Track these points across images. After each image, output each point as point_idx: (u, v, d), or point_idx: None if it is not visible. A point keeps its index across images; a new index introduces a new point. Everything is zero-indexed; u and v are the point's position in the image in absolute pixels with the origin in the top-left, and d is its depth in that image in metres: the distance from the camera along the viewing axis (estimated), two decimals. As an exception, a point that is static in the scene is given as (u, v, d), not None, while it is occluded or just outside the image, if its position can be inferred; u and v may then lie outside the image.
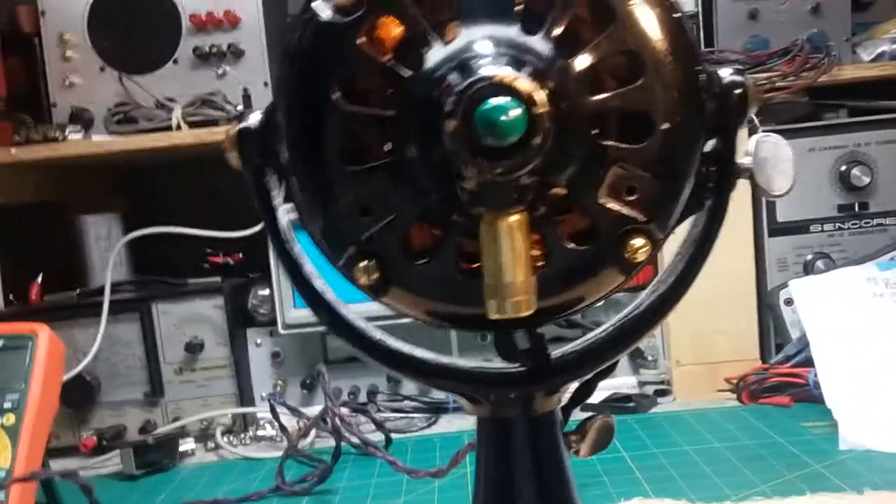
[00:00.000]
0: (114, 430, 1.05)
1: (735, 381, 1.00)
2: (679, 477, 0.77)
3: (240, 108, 1.14)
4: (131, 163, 1.25)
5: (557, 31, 0.34)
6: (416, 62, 0.34)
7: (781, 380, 0.96)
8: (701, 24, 1.06)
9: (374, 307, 0.39)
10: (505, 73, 0.31)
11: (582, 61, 0.34)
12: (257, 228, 1.09)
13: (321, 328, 1.05)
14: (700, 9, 1.08)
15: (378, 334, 0.43)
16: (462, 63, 0.33)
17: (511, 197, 0.33)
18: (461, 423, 1.01)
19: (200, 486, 0.89)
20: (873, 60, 1.07)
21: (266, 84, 1.17)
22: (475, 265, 0.37)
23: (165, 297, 1.07)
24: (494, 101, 0.30)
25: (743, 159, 0.40)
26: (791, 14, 1.06)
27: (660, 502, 0.71)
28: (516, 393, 0.41)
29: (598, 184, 0.35)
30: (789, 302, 0.97)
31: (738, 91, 0.38)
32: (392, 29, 0.35)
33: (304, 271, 0.42)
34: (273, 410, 0.99)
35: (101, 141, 1.07)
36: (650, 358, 1.05)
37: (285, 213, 0.43)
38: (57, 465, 0.99)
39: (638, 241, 0.36)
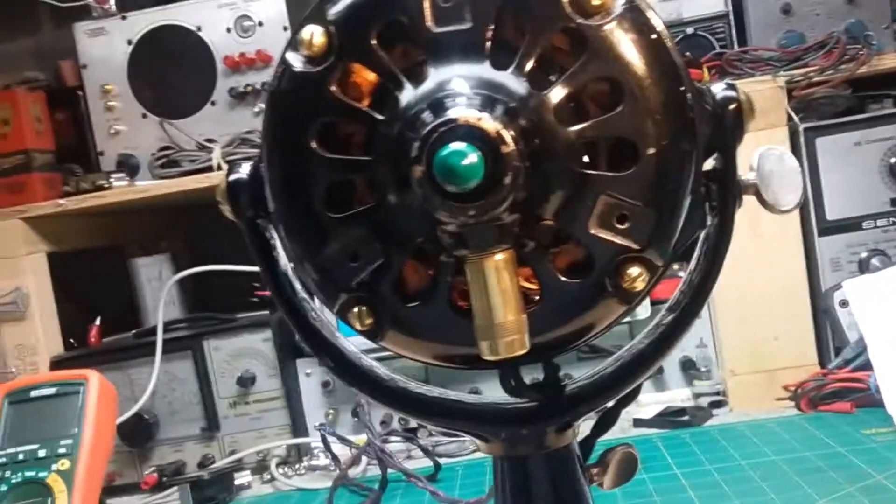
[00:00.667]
0: (174, 467, 1.07)
1: (793, 389, 0.96)
2: (733, 494, 0.75)
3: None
4: (177, 204, 1.28)
5: (529, 64, 0.33)
6: (391, 106, 0.34)
7: (841, 385, 0.92)
8: (732, 23, 1.04)
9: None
10: (468, 114, 0.31)
11: (557, 94, 0.33)
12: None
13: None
14: (730, 8, 1.05)
15: (386, 375, 0.42)
16: (434, 104, 0.33)
17: (493, 236, 0.33)
18: (512, 445, 1.00)
19: (255, 521, 0.90)
20: (917, 46, 1.03)
21: (302, 116, 1.18)
22: (460, 307, 0.37)
23: (216, 333, 1.09)
24: (452, 147, 0.29)
25: (747, 175, 0.39)
26: (826, 6, 1.02)
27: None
28: (528, 430, 0.40)
29: (588, 214, 0.34)
30: (844, 303, 0.94)
31: (732, 106, 0.37)
32: (365, 74, 0.35)
33: (306, 319, 0.42)
34: (324, 440, 0.99)
35: (145, 185, 1.10)
36: (703, 369, 1.02)
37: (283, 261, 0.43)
38: (118, 503, 1.02)
39: (635, 270, 0.35)
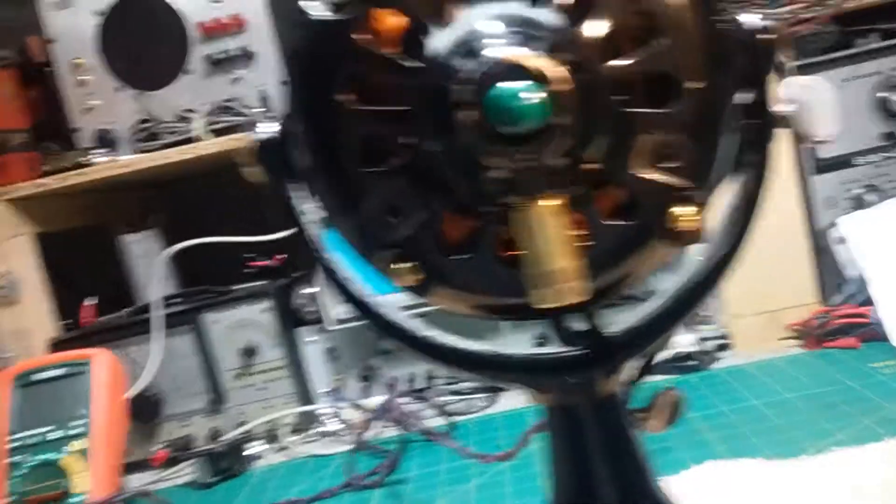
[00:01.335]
0: (183, 441, 1.06)
1: (797, 328, 0.97)
2: (751, 434, 0.75)
3: (258, 110, 1.14)
4: (161, 178, 1.26)
5: (566, -1, 0.32)
6: (420, 52, 0.33)
7: (845, 321, 0.93)
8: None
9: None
10: (515, 52, 0.30)
11: (596, 28, 0.32)
12: (290, 231, 1.09)
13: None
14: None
15: (426, 331, 0.42)
16: (470, 47, 0.32)
17: (543, 181, 0.32)
18: (522, 400, 1.00)
19: (273, 489, 0.90)
20: (904, -23, 1.02)
21: (284, 83, 1.16)
22: (517, 252, 0.36)
23: (214, 306, 1.08)
24: (505, 86, 0.28)
25: (779, 107, 0.38)
26: (810, -61, 1.01)
27: (736, 464, 0.69)
28: (577, 378, 0.40)
29: (632, 154, 0.34)
30: (842, 240, 0.94)
31: (764, 37, 0.36)
32: (390, 20, 0.33)
33: (341, 277, 0.42)
34: (335, 406, 0.99)
35: (128, 160, 1.08)
36: (707, 313, 1.02)
37: (316, 219, 0.42)
38: (131, 480, 1.01)
39: (680, 210, 0.35)
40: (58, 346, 1.07)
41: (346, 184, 0.36)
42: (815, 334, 0.94)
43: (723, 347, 1.01)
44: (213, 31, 1.14)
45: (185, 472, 1.01)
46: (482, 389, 1.05)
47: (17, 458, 0.76)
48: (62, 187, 1.06)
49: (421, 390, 1.03)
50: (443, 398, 1.03)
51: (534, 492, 0.73)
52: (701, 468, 0.69)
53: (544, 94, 0.28)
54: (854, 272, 0.94)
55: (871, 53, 0.99)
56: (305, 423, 1.07)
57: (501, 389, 1.04)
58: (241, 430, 1.05)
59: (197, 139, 1.10)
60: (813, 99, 0.38)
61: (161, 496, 0.72)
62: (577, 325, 0.39)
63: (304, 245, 0.41)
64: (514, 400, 1.01)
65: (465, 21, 0.33)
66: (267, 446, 1.04)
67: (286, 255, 1.18)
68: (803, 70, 0.99)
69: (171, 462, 1.04)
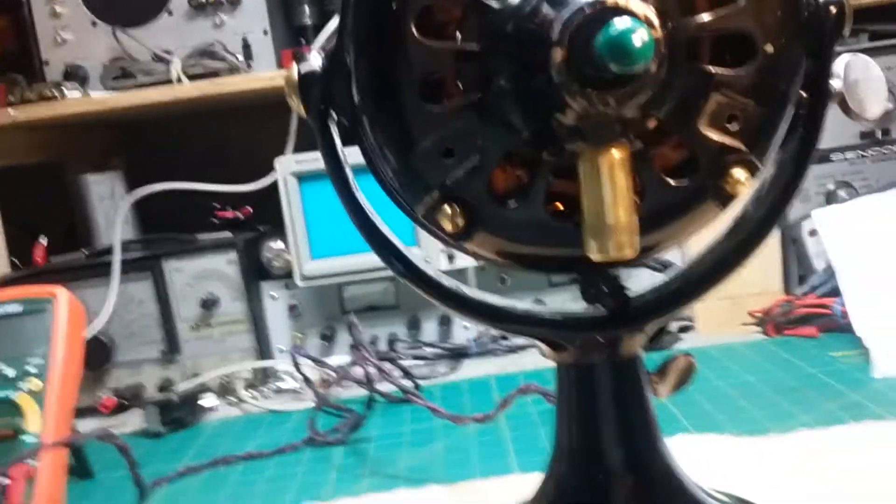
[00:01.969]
0: (132, 390, 1.03)
1: (759, 315, 0.99)
2: (716, 412, 0.77)
3: (240, 58, 1.11)
4: (128, 119, 1.21)
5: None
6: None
7: (807, 311, 0.95)
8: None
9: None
10: (615, -6, 0.29)
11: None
12: (268, 181, 1.06)
13: (339, 279, 1.04)
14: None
15: (452, 283, 0.41)
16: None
17: (615, 130, 0.31)
18: (485, 368, 1.01)
19: (229, 441, 0.88)
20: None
21: (266, 32, 1.13)
22: (562, 206, 0.36)
23: (177, 254, 1.04)
24: (620, 25, 0.28)
25: (834, 82, 0.38)
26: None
27: (703, 438, 0.70)
28: (605, 336, 0.39)
29: (700, 113, 0.34)
30: (813, 233, 0.97)
31: (834, 7, 0.36)
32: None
33: (373, 221, 0.41)
34: (296, 363, 0.98)
35: (102, 97, 1.03)
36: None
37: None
38: (78, 425, 0.98)
39: (739, 173, 0.35)
40: (7, 284, 1.03)
41: (402, 121, 0.34)
42: (777, 321, 0.96)
43: (685, 329, 1.03)
44: (199, -29, 1.10)
45: (133, 421, 0.98)
46: (445, 356, 1.05)
47: (-30, 394, 0.72)
48: (30, 120, 1.01)
49: (383, 353, 1.03)
50: (405, 363, 1.02)
51: (500, 456, 0.73)
52: (671, 440, 0.70)
53: (652, 37, 0.28)
54: (821, 264, 0.97)
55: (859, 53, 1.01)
56: (261, 379, 1.05)
57: (464, 356, 1.04)
58: (195, 381, 1.03)
59: (173, 81, 1.06)
60: (866, 77, 0.38)
61: (122, 439, 0.69)
62: (619, 283, 0.39)
63: (336, 184, 0.40)
64: (477, 368, 1.01)
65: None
66: (219, 400, 1.02)
67: (252, 209, 1.15)
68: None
69: (119, 409, 1.01)
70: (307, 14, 1.19)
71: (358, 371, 0.94)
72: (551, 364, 1.01)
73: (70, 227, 1.20)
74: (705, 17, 0.32)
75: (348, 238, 1.02)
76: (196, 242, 1.06)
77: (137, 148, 1.30)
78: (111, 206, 1.13)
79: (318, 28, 1.18)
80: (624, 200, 0.32)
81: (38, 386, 0.74)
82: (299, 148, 1.07)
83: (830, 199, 1.01)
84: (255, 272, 1.07)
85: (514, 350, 1.05)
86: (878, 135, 1.01)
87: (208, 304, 1.04)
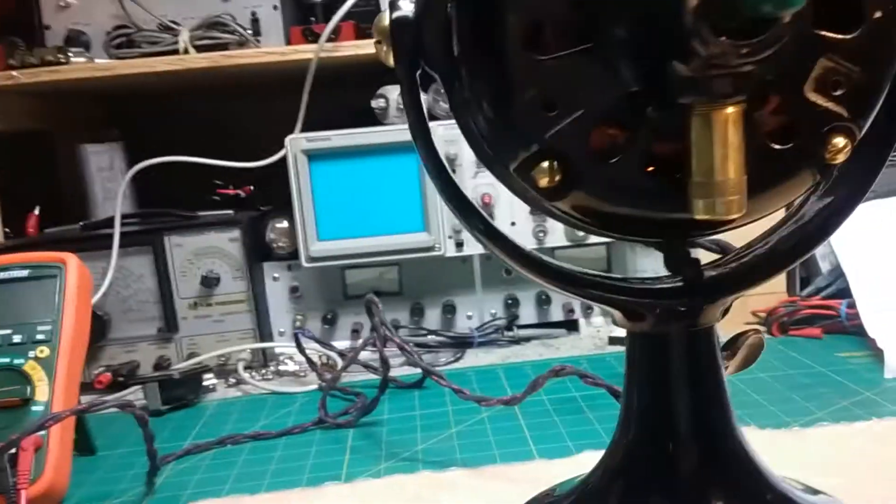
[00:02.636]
0: (128, 367, 1.01)
1: (763, 314, 1.00)
2: (735, 406, 0.76)
3: (249, 32, 1.09)
4: (129, 89, 1.18)
5: None
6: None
7: (812, 312, 0.96)
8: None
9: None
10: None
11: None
12: (274, 158, 1.05)
13: (345, 261, 1.02)
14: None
15: (532, 251, 0.40)
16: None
17: (733, 85, 0.31)
18: (490, 358, 1.00)
19: (233, 421, 0.86)
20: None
21: (276, 7, 1.11)
22: (655, 167, 0.35)
23: (179, 229, 1.02)
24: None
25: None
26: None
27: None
28: (686, 305, 0.39)
29: (806, 77, 0.33)
30: (822, 234, 0.97)
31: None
32: None
33: (454, 180, 0.40)
34: (299, 345, 0.96)
35: (109, 64, 1.01)
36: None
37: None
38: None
39: (840, 141, 0.34)
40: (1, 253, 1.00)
41: (504, 72, 0.33)
42: (781, 322, 0.97)
43: (689, 326, 1.03)
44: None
45: (129, 399, 0.95)
46: (448, 344, 1.04)
47: (-23, 359, 0.70)
48: (33, 83, 0.98)
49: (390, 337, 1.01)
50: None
51: (520, 442, 0.72)
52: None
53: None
54: (826, 266, 0.98)
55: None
56: (261, 360, 1.03)
57: (468, 345, 1.03)
58: (194, 361, 1.00)
59: (179, 52, 1.04)
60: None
61: (142, 410, 0.67)
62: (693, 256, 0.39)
63: (418, 138, 0.39)
64: (481, 357, 1.00)
65: None
66: (217, 380, 0.99)
67: (253, 188, 1.14)
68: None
69: (114, 387, 0.99)
70: (317, -9, 1.18)
71: (364, 355, 0.92)
72: (557, 354, 1.00)
73: (65, 198, 1.17)
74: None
75: (356, 220, 1.02)
76: (199, 218, 1.04)
77: (134, 121, 1.27)
78: (110, 178, 1.10)
79: (328, 6, 1.17)
80: (736, 158, 0.32)
81: (46, 353, 0.72)
82: (305, 128, 1.06)
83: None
84: (258, 252, 1.06)
85: (517, 341, 1.04)
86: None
87: (209, 282, 1.02)
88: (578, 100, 0.33)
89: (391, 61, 0.37)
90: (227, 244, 1.03)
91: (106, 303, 1.02)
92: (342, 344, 1.04)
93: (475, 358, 1.01)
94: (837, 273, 0.96)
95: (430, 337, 1.05)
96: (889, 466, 0.60)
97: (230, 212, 1.06)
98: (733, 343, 0.43)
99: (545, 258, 0.40)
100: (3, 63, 1.03)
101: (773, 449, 0.64)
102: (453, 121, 0.43)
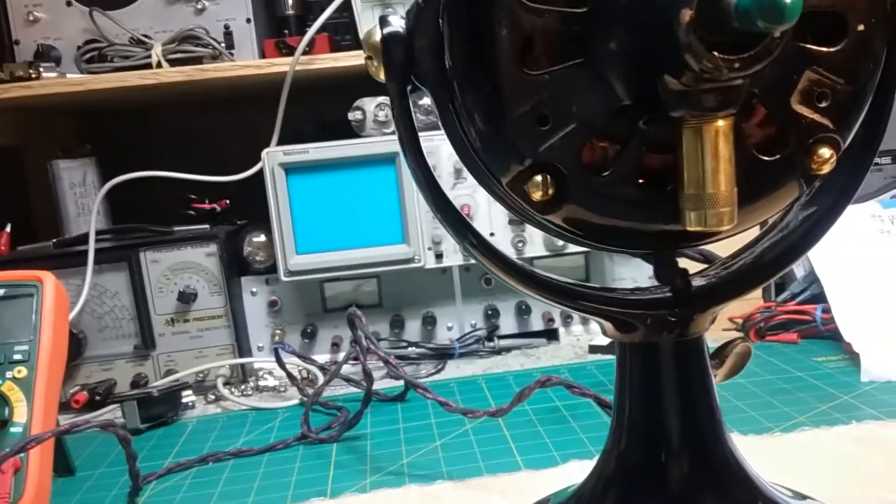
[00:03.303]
0: (104, 386, 0.99)
1: (740, 320, 1.01)
2: (714, 411, 0.77)
3: (222, 45, 1.08)
4: (101, 105, 1.17)
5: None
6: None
7: (788, 317, 0.97)
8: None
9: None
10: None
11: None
12: (251, 172, 1.04)
13: (324, 275, 1.02)
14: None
15: (524, 264, 0.41)
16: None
17: (722, 99, 0.31)
18: (471, 369, 1.00)
19: (214, 438, 0.85)
20: None
21: (248, 20, 1.11)
22: (645, 180, 0.35)
23: (155, 244, 1.01)
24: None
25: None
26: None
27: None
28: (676, 315, 0.39)
29: (792, 89, 0.34)
30: (796, 240, 0.99)
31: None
32: None
33: (444, 193, 0.40)
34: (279, 359, 0.95)
35: (81, 79, 0.99)
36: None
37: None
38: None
39: (826, 151, 0.35)
40: (-27, 271, 0.98)
41: (497, 87, 0.34)
42: (758, 327, 0.98)
43: (668, 334, 1.03)
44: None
45: (106, 418, 0.94)
46: (429, 356, 1.04)
47: (-48, 381, 0.68)
48: (2, 99, 0.96)
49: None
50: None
51: (505, 453, 0.72)
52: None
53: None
54: (800, 272, 0.99)
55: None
56: (240, 376, 1.03)
57: (449, 356, 1.03)
58: (172, 377, 0.99)
59: (152, 66, 1.03)
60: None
61: (123, 429, 0.66)
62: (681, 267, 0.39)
63: (409, 154, 0.39)
64: (462, 368, 1.00)
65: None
66: (196, 397, 0.98)
67: (229, 201, 1.13)
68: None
69: (91, 405, 0.97)
70: (290, 4, 1.18)
71: (345, 368, 0.92)
72: (538, 364, 1.00)
73: (35, 215, 1.16)
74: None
75: (335, 233, 1.02)
76: (174, 233, 1.03)
77: (107, 136, 1.26)
78: (83, 194, 1.09)
79: (301, 19, 1.17)
80: (727, 170, 0.32)
81: (24, 373, 0.70)
82: (281, 141, 1.05)
83: (811, 208, 1.03)
84: (236, 266, 1.05)
85: (498, 352, 1.04)
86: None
87: (186, 298, 1.01)
88: (571, 114, 0.34)
89: (382, 76, 0.37)
90: (203, 259, 1.02)
91: (81, 321, 1.00)
92: (322, 358, 1.04)
93: (456, 369, 1.01)
94: (812, 278, 0.98)
95: (410, 349, 1.05)
96: (871, 470, 0.61)
97: (206, 226, 1.05)
98: (721, 352, 0.43)
99: (538, 272, 0.40)
100: (-27, 79, 1.01)
101: (756, 454, 0.65)
102: (431, 133, 0.42)
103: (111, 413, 0.95)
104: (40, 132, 1.18)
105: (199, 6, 1.10)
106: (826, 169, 0.35)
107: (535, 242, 1.01)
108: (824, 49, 0.34)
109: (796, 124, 0.34)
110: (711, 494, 0.41)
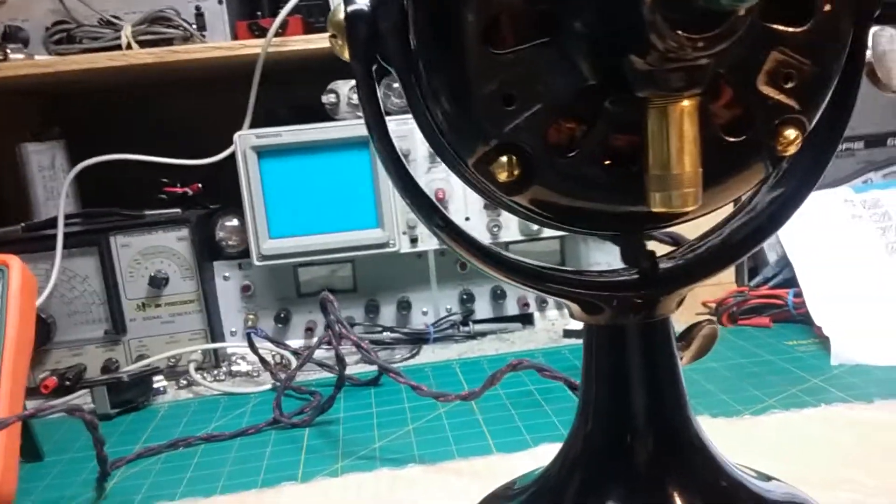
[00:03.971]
0: (74, 371, 0.98)
1: (713, 305, 1.01)
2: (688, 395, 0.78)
3: (193, 26, 1.07)
4: (69, 87, 1.15)
5: None
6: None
7: (761, 301, 0.98)
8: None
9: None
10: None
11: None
12: (223, 156, 1.03)
13: (297, 259, 1.01)
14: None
15: (491, 246, 0.40)
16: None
17: (688, 79, 0.31)
18: (446, 353, 1.00)
19: (185, 423, 0.85)
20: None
21: (220, 2, 1.09)
22: (612, 161, 0.35)
23: (125, 228, 1.00)
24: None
25: (867, 53, 0.39)
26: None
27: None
28: (642, 297, 0.39)
29: (759, 70, 0.34)
30: (769, 225, 0.99)
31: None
32: None
33: (410, 175, 0.39)
34: (251, 344, 0.95)
35: (48, 60, 0.98)
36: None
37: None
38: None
39: (791, 133, 0.35)
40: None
41: (462, 66, 0.33)
42: (731, 312, 0.99)
43: (641, 318, 1.04)
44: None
45: (76, 403, 0.93)
46: (404, 341, 1.04)
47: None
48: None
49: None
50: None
51: (477, 437, 0.72)
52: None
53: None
54: (773, 256, 1.00)
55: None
56: (212, 361, 1.02)
57: (423, 341, 1.03)
58: (144, 363, 0.99)
59: (122, 47, 1.01)
60: (892, 49, 0.39)
61: (91, 414, 0.66)
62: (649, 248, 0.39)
63: (376, 137, 0.38)
64: (437, 353, 1.00)
65: None
66: (168, 382, 0.97)
67: (201, 185, 1.11)
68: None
69: (61, 391, 0.96)
70: (263, -15, 1.16)
71: (319, 353, 0.91)
72: (513, 349, 1.00)
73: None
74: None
75: (309, 217, 1.01)
76: (144, 217, 1.02)
77: (76, 118, 1.24)
78: (51, 178, 1.07)
79: (274, 0, 1.15)
80: (692, 151, 0.32)
81: (-11, 359, 0.69)
82: (254, 124, 1.04)
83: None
84: (208, 251, 1.04)
85: (473, 336, 1.04)
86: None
87: (157, 283, 1.00)
88: (536, 94, 0.33)
89: (346, 55, 0.37)
90: (175, 243, 1.01)
91: (50, 305, 0.99)
92: (296, 343, 1.03)
93: (431, 354, 1.00)
94: (784, 263, 0.98)
95: (385, 334, 1.04)
96: (838, 451, 0.62)
97: (178, 210, 1.04)
98: (688, 333, 0.43)
99: (504, 253, 0.40)
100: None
101: (725, 437, 0.65)
102: (406, 116, 0.42)
103: (81, 399, 0.94)
104: (8, 115, 1.16)
105: (170, -14, 1.08)
106: (792, 150, 0.35)
107: (511, 227, 1.01)
108: (790, 29, 0.33)
109: (762, 105, 0.34)
110: (676, 475, 0.41)
